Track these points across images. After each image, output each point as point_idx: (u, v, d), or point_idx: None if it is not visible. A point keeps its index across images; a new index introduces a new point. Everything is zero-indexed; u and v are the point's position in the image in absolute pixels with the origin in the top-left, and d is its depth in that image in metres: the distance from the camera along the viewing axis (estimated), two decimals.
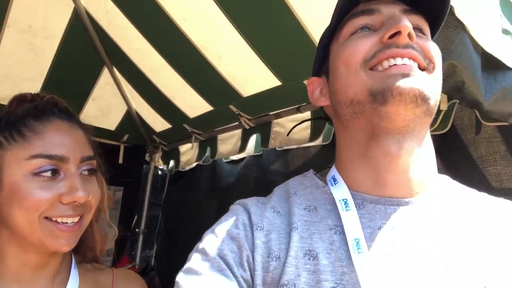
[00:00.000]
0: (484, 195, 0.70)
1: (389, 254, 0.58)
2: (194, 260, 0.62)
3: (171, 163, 3.10)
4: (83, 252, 0.95)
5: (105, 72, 2.46)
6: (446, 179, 0.71)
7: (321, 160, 2.21)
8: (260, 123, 2.23)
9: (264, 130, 2.23)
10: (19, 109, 0.86)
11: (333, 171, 0.71)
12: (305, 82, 1.78)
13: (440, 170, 0.70)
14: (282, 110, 2.08)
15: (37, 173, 0.79)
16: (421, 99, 0.58)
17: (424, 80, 0.59)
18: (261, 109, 2.17)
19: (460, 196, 0.66)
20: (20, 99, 0.88)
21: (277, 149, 2.35)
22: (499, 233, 0.61)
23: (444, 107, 1.35)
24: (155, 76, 2.29)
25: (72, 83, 2.33)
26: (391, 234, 0.60)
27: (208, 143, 2.64)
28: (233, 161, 2.76)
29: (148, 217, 3.18)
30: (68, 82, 2.29)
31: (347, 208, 0.62)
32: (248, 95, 2.05)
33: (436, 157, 0.68)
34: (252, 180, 2.56)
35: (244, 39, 1.69)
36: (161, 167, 3.30)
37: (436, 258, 0.57)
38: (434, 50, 0.63)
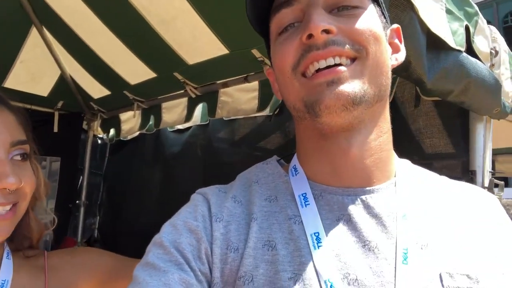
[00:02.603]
0: (444, 179, 0.71)
1: (347, 245, 0.58)
2: (152, 254, 0.60)
3: (112, 131, 2.95)
4: (18, 241, 0.90)
5: (34, 33, 2.21)
6: (406, 164, 0.71)
7: (268, 130, 2.22)
8: (206, 92, 2.17)
9: (211, 99, 2.18)
10: None
11: (295, 161, 0.70)
12: (253, 51, 1.75)
13: None
14: (229, 79, 2.04)
15: None
16: (352, 104, 0.56)
17: (353, 79, 0.57)
18: (207, 78, 2.11)
19: (420, 183, 0.67)
20: None
21: (224, 118, 2.31)
22: (459, 219, 0.62)
23: None
24: (90, 39, 2.11)
25: None
26: (349, 225, 0.60)
27: (152, 112, 2.53)
28: (178, 130, 2.69)
29: (89, 188, 3.05)
30: None
31: (306, 203, 0.62)
32: (193, 62, 1.97)
33: None
34: (198, 150, 2.52)
35: (190, 3, 1.60)
36: (100, 135, 3.14)
37: (392, 248, 0.57)
38: (364, 30, 0.59)
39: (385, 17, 0.66)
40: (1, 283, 0.81)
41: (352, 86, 0.57)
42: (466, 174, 1.32)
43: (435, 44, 0.95)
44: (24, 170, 0.81)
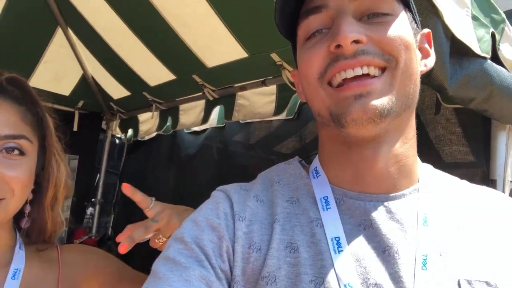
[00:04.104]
0: (464, 184, 0.70)
1: (367, 250, 0.58)
2: (172, 249, 0.60)
3: (130, 131, 3.00)
4: (33, 236, 0.92)
5: (59, 33, 2.28)
6: (428, 169, 0.70)
7: (284, 134, 2.22)
8: (224, 94, 2.19)
9: (228, 102, 2.19)
10: None
11: (316, 163, 0.70)
12: (272, 55, 1.76)
13: None
14: (247, 82, 2.05)
15: None
16: (379, 117, 0.56)
17: (381, 92, 0.56)
18: (225, 81, 2.12)
19: (442, 188, 0.66)
20: None
21: (241, 121, 2.32)
22: (480, 224, 0.61)
23: None
24: (113, 40, 2.16)
25: (22, 44, 2.16)
26: (370, 230, 0.60)
27: (169, 113, 2.56)
28: (194, 132, 2.71)
29: (105, 187, 3.10)
30: (17, 42, 2.11)
31: (328, 207, 0.62)
32: (212, 65, 1.99)
33: None
34: (213, 152, 2.53)
35: (212, 7, 1.62)
36: (118, 135, 3.19)
37: (412, 254, 0.57)
38: (395, 39, 0.58)
39: (416, 22, 0.65)
40: (14, 272, 0.82)
41: (381, 100, 0.56)
42: (486, 183, 1.30)
43: (459, 50, 0.95)
44: (15, 165, 0.79)
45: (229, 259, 0.59)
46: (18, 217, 0.87)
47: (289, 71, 1.78)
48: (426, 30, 0.68)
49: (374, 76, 0.58)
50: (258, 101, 2.10)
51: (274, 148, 2.30)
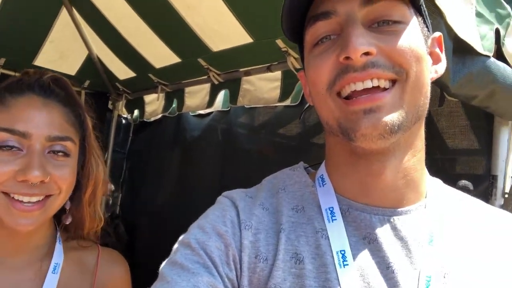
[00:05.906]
0: (478, 203, 0.68)
1: (371, 266, 0.58)
2: (180, 254, 0.59)
3: (136, 112, 3.02)
4: (72, 231, 0.94)
5: (64, 13, 2.27)
6: (438, 184, 0.68)
7: (287, 119, 2.22)
8: (229, 79, 2.18)
9: (233, 87, 2.19)
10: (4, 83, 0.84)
11: (322, 170, 0.68)
12: (277, 41, 1.74)
13: None
14: (252, 67, 2.04)
15: None
16: (389, 133, 0.54)
17: (391, 106, 0.55)
18: (230, 65, 2.11)
19: (450, 206, 0.65)
20: (23, 73, 0.87)
21: (246, 106, 2.32)
22: (487, 248, 0.60)
23: None
24: (118, 21, 2.15)
25: (28, 24, 2.16)
26: (375, 245, 0.59)
27: (175, 95, 2.57)
28: (200, 115, 2.72)
29: (112, 166, 3.14)
30: (23, 22, 2.12)
31: (333, 218, 0.61)
32: (218, 49, 1.98)
33: None
34: (218, 135, 2.55)
35: None
36: (124, 115, 3.21)
37: (415, 274, 0.56)
38: (406, 51, 0.55)
39: (427, 26, 0.62)
40: (54, 266, 0.85)
41: (391, 116, 0.55)
42: (487, 178, 1.30)
43: (462, 48, 0.93)
44: (61, 166, 0.81)
45: (235, 268, 0.59)
46: (58, 213, 0.90)
47: (294, 58, 1.76)
48: (437, 34, 0.65)
49: (384, 89, 0.56)
50: (263, 87, 2.09)
51: (278, 132, 2.30)
